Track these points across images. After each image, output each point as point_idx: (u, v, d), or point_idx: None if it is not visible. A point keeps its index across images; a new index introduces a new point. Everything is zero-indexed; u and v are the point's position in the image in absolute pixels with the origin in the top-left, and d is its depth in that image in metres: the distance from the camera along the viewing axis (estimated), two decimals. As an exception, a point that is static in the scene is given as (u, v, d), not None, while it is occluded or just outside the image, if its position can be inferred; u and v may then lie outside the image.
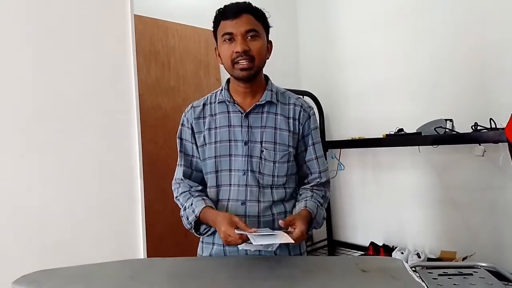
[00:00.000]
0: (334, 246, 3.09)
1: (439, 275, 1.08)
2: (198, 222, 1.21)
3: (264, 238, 1.02)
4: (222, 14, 1.19)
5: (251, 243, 1.01)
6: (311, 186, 1.28)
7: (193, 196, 1.23)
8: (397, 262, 1.08)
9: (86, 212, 1.58)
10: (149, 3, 2.41)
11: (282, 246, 1.19)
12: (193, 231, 1.24)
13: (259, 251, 1.19)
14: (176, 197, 1.28)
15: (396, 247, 2.64)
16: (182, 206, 1.24)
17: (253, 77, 1.20)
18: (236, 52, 1.16)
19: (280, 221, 1.11)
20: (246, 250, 1.19)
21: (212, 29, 1.25)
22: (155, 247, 1.96)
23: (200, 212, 1.17)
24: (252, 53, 1.17)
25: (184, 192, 1.25)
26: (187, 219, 1.21)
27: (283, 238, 1.04)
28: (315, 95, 2.90)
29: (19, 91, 1.47)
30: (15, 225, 1.44)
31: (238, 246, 1.03)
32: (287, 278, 0.99)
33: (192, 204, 1.20)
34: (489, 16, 2.24)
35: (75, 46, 1.60)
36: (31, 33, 1.50)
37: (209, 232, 1.23)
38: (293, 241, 1.03)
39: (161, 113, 2.41)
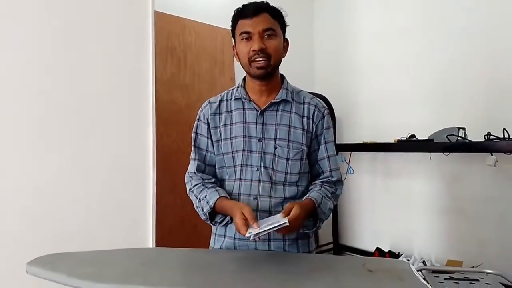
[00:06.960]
0: (340, 250, 3.09)
1: (445, 279, 1.08)
2: (213, 213, 1.23)
3: (263, 226, 1.04)
4: (240, 13, 1.22)
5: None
6: (321, 182, 1.29)
7: (206, 187, 1.25)
8: (403, 264, 1.09)
9: (99, 203, 1.62)
10: None
11: (289, 241, 1.22)
12: (209, 221, 1.25)
13: (269, 245, 1.21)
14: (190, 189, 1.30)
15: (402, 254, 2.64)
16: (197, 198, 1.25)
17: (269, 75, 1.23)
18: (253, 51, 1.18)
19: (281, 213, 1.10)
20: (255, 244, 1.22)
21: (230, 28, 1.27)
22: (164, 239, 1.99)
23: (215, 203, 1.19)
24: (269, 51, 1.19)
25: (198, 184, 1.27)
26: (202, 210, 1.23)
27: (279, 220, 1.04)
28: (328, 98, 2.91)
29: (38, 86, 1.51)
30: (30, 212, 1.48)
31: (247, 235, 1.04)
32: (294, 274, 1.01)
33: (206, 196, 1.22)
34: (504, 26, 2.23)
35: (95, 40, 1.63)
36: (50, 29, 1.53)
37: (224, 222, 1.24)
38: (287, 223, 1.02)
39: (175, 109, 2.44)
